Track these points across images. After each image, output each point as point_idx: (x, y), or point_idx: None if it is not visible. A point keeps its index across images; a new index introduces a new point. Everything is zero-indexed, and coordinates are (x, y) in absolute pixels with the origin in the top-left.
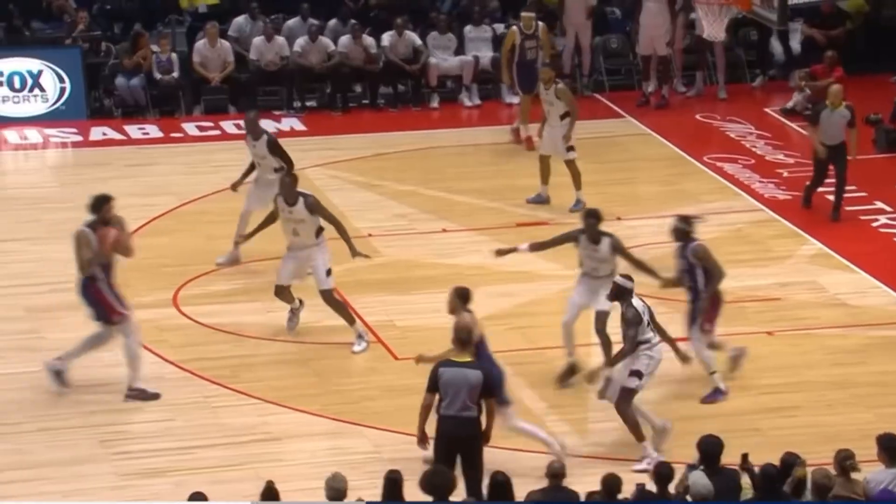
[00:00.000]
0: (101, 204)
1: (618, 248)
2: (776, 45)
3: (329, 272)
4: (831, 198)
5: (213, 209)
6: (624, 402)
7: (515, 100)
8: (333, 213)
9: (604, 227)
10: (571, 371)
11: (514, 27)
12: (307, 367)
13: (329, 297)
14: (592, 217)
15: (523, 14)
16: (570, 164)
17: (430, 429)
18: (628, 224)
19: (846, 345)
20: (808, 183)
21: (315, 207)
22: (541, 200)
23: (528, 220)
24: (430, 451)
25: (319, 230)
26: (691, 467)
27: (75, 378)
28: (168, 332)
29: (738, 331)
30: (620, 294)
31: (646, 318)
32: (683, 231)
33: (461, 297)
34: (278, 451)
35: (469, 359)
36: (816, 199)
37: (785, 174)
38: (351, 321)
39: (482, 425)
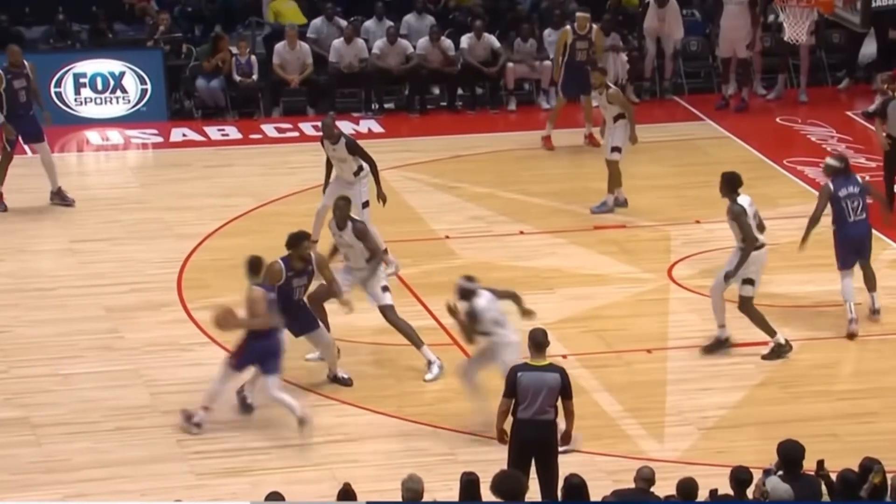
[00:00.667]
0: (298, 241)
1: (732, 215)
2: (866, 47)
3: (385, 288)
4: None
5: (290, 210)
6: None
7: (594, 102)
8: (377, 245)
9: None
10: (719, 345)
11: (568, 27)
12: (384, 368)
13: (390, 313)
14: (726, 176)
15: (578, 14)
16: (612, 164)
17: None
18: (707, 227)
19: None
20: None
21: (362, 235)
22: (618, 204)
23: (606, 223)
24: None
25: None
26: (768, 472)
27: (154, 378)
28: None
29: (816, 335)
30: (465, 295)
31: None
32: (836, 168)
33: (252, 268)
34: (354, 451)
35: (546, 362)
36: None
37: (867, 178)
38: (418, 344)
39: (558, 428)
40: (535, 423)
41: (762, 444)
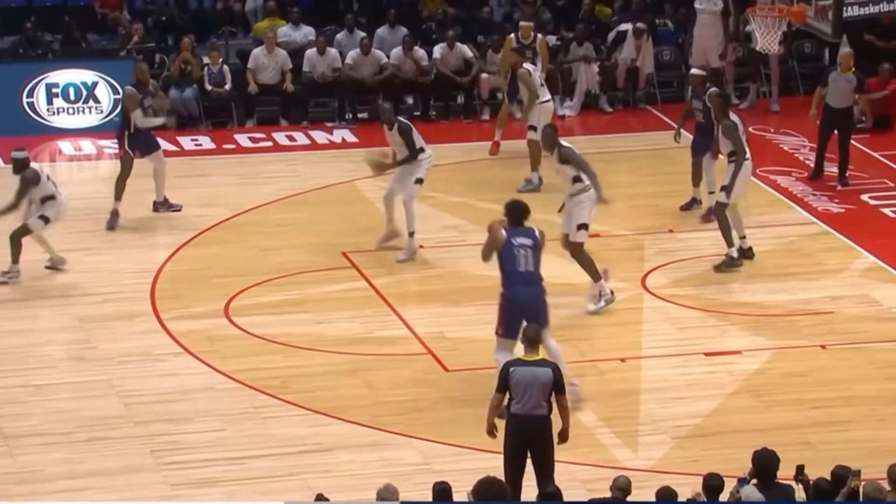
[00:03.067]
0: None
1: (725, 131)
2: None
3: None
4: (872, 201)
5: (264, 220)
6: None
7: (568, 111)
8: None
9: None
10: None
11: (512, 35)
12: (357, 377)
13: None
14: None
15: (521, 24)
16: (532, 143)
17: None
18: (681, 237)
19: None
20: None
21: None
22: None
23: None
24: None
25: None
26: (742, 481)
27: (128, 389)
28: (219, 342)
29: (790, 344)
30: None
31: None
32: (703, 77)
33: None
34: (328, 461)
35: (538, 357)
36: (856, 199)
37: (838, 187)
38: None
39: (552, 423)
40: (529, 418)
41: (735, 453)
